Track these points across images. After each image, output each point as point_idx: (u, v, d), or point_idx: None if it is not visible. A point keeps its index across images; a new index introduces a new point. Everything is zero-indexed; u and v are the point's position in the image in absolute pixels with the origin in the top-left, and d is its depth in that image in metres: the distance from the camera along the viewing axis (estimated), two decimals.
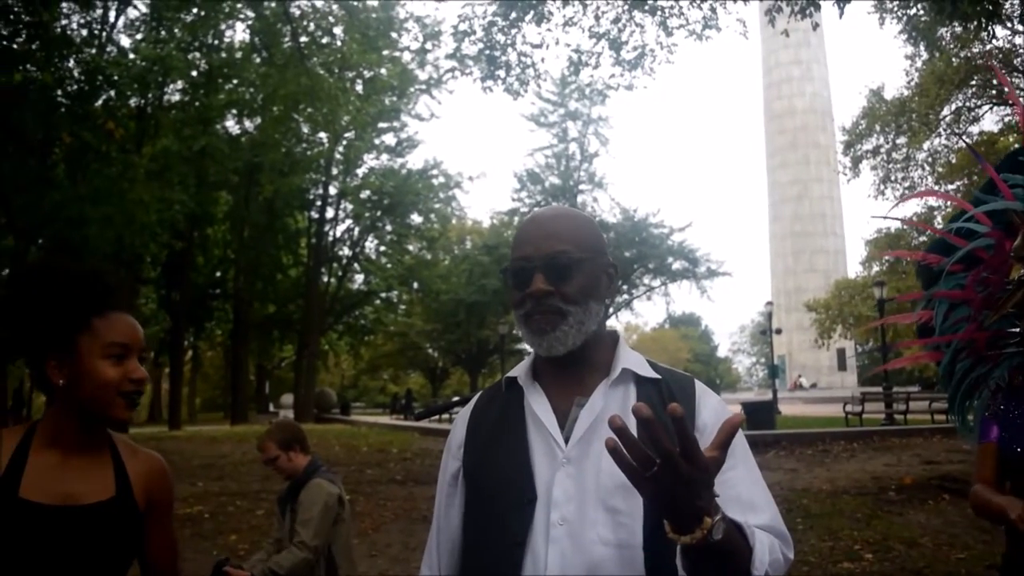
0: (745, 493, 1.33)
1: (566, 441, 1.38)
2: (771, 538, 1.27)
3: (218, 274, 38.74)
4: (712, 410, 1.43)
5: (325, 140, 32.31)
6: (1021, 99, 2.84)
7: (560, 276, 1.42)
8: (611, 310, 33.61)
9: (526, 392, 1.47)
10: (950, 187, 23.06)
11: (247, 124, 29.63)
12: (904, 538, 7.77)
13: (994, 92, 22.42)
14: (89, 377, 1.60)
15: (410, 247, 40.08)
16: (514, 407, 1.47)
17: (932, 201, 24.65)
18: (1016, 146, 3.27)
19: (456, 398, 38.22)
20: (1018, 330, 2.64)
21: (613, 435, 1.06)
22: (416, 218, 38.34)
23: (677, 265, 37.43)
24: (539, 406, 1.43)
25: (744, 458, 1.39)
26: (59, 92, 18.85)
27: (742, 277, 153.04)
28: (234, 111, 27.89)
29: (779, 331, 39.04)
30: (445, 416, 27.08)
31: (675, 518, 1.11)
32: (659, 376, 1.46)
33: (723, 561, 1.16)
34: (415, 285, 40.04)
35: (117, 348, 1.62)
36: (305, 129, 28.48)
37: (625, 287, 37.47)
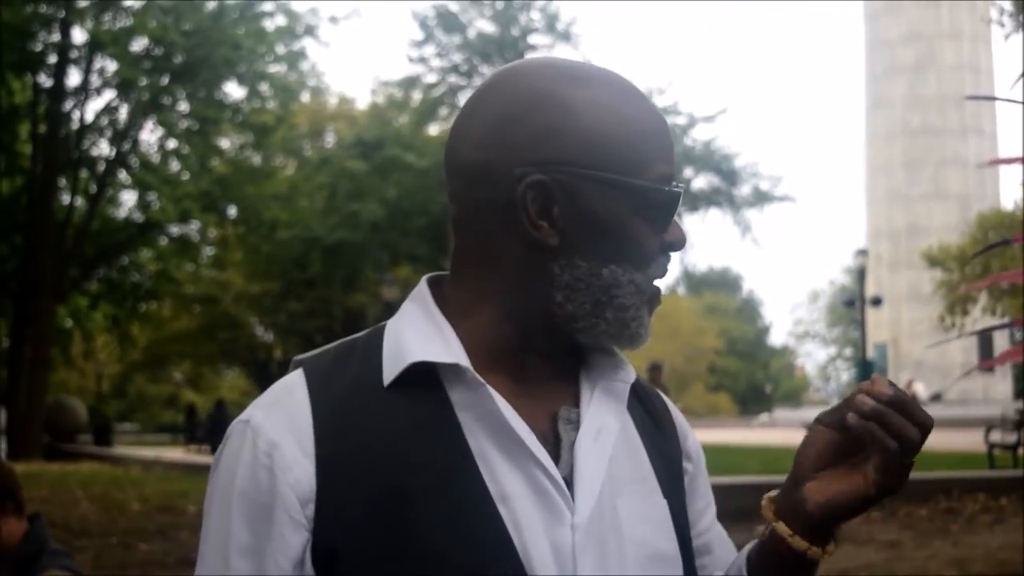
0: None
1: (568, 487, 1.42)
2: None
3: None
4: (692, 433, 1.69)
5: None
6: None
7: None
8: None
9: (467, 393, 1.44)
10: None
11: None
12: None
13: None
14: None
15: (223, 143, 39.44)
16: (434, 418, 1.44)
17: None
18: None
19: None
20: None
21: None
22: (234, 90, 37.82)
23: (700, 181, 37.74)
24: (513, 419, 1.43)
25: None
26: None
27: (814, 207, 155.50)
28: None
29: (878, 301, 39.78)
30: None
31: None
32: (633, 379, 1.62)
33: None
34: (231, 211, 39.52)
35: None
36: None
37: None
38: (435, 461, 1.41)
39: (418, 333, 1.50)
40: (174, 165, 39.25)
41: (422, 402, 1.45)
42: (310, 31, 37.78)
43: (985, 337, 50.24)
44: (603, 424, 1.46)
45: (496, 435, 1.42)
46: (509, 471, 1.40)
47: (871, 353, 41.44)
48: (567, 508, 1.39)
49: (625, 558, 1.41)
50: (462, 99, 39.66)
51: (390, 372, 1.46)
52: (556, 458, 1.42)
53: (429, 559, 1.36)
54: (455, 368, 1.43)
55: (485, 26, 40.02)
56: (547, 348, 1.48)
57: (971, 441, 24.56)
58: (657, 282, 1.50)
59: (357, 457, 1.42)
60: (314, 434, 1.44)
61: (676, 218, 1.49)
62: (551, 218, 1.42)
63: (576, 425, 1.45)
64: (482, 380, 1.42)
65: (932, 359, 56.14)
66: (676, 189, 1.46)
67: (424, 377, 1.45)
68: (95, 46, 35.85)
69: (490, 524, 1.37)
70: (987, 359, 49.77)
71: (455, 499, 1.39)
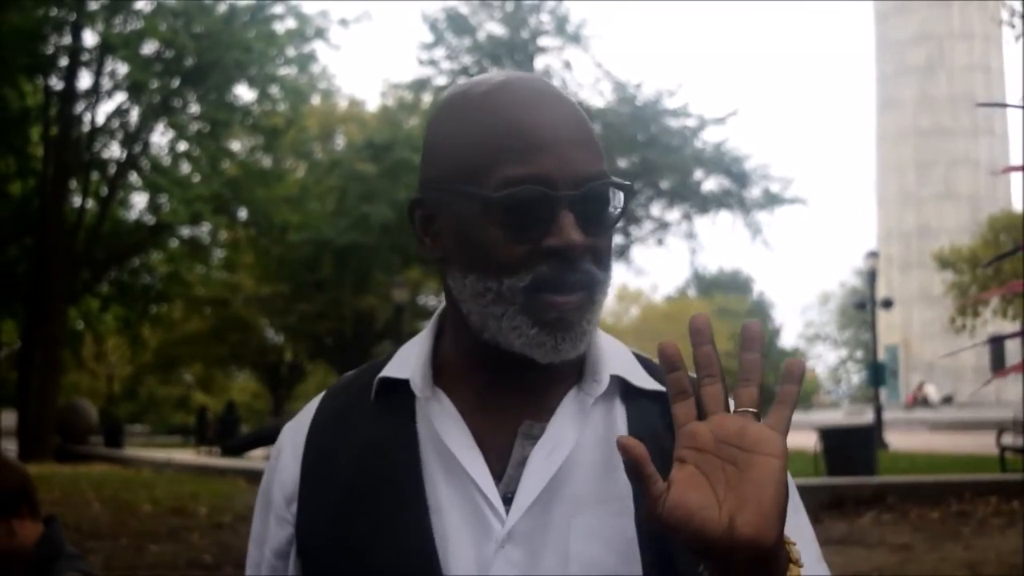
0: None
1: (507, 503, 1.40)
2: None
3: None
4: None
5: None
6: None
7: (599, 222, 1.42)
8: None
9: (426, 408, 1.48)
10: None
11: None
12: None
13: None
14: None
15: (233, 145, 39.37)
16: (395, 432, 1.49)
17: None
18: None
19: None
20: None
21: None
22: (244, 93, 37.75)
23: (710, 183, 37.65)
24: (453, 435, 1.45)
25: (797, 506, 1.48)
26: None
27: (825, 209, 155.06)
28: None
29: (889, 303, 39.67)
30: None
31: None
32: (661, 388, 1.48)
33: None
34: (242, 214, 39.47)
35: None
36: None
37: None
38: (388, 470, 1.45)
39: (405, 351, 1.56)
40: (185, 167, 39.14)
41: (393, 415, 1.50)
42: (320, 34, 37.68)
43: (996, 342, 49.88)
44: (560, 439, 1.43)
45: (437, 449, 1.44)
46: (445, 484, 1.42)
47: (882, 355, 41.28)
48: (497, 523, 1.38)
49: (567, 574, 1.37)
50: None
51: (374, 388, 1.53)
52: (504, 475, 1.42)
53: (363, 564, 1.41)
54: (411, 383, 1.48)
55: (495, 28, 39.93)
56: (499, 361, 1.44)
57: (982, 444, 24.45)
58: (529, 287, 1.38)
59: (331, 463, 1.50)
60: (305, 441, 1.54)
61: (564, 219, 1.36)
62: (434, 233, 1.46)
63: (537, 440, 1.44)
64: (428, 395, 1.48)
65: (943, 361, 55.83)
66: (532, 189, 1.35)
67: (403, 392, 1.50)
68: (106, 49, 35.81)
69: (418, 535, 1.40)
70: (998, 363, 49.47)
71: (395, 507, 1.42)
